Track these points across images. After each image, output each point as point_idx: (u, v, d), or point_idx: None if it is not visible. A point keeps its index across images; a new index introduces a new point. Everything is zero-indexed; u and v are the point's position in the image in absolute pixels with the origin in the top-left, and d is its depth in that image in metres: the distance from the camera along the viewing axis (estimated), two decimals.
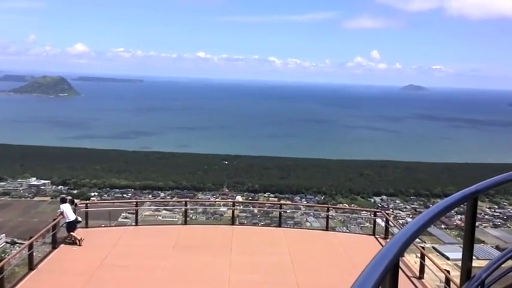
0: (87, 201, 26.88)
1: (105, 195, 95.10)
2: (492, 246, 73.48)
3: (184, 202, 27.58)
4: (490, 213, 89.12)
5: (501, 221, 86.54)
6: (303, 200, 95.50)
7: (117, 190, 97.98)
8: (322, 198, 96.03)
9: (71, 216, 17.91)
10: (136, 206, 22.59)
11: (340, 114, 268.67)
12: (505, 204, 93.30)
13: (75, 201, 20.11)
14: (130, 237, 18.86)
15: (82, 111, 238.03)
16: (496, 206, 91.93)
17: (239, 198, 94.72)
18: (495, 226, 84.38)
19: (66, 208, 18.01)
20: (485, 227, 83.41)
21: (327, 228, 22.58)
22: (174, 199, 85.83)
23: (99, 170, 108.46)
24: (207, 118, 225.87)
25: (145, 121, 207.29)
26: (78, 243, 17.55)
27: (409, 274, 15.96)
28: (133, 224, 21.85)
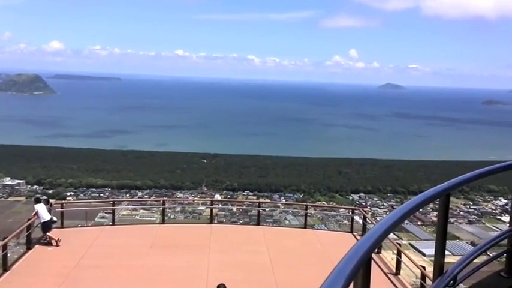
0: (63, 201, 26.50)
1: (82, 194, 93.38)
2: (467, 242, 74.95)
3: (162, 201, 27.36)
4: (465, 209, 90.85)
5: (476, 217, 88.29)
6: (282, 198, 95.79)
7: (94, 190, 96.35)
8: (301, 196, 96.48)
9: (45, 216, 17.62)
10: (113, 206, 22.33)
11: (318, 112, 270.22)
12: (479, 201, 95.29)
13: (50, 201, 19.82)
14: (107, 237, 18.64)
15: (58, 109, 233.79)
16: (470, 203, 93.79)
17: (218, 196, 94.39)
18: (470, 222, 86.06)
19: (41, 208, 17.71)
20: (460, 223, 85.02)
21: (305, 226, 22.78)
22: (152, 198, 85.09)
23: (75, 169, 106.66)
24: (186, 116, 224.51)
25: (122, 119, 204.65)
26: (54, 243, 17.28)
27: (386, 270, 16.17)
28: (110, 223, 21.61)
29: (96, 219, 57.29)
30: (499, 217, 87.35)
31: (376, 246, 2.68)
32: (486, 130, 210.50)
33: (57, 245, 17.18)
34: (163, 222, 21.93)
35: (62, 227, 19.40)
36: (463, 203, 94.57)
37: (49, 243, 17.36)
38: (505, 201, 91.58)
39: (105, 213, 57.15)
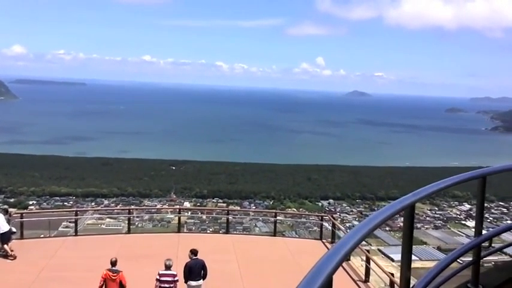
0: (23, 211, 25.40)
1: (45, 203, 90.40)
2: (434, 247, 76.46)
3: (128, 210, 26.52)
4: (431, 215, 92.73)
5: (441, 222, 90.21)
6: (252, 205, 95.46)
7: (58, 198, 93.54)
8: (271, 203, 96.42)
9: (4, 227, 16.70)
10: (76, 215, 21.47)
11: (286, 119, 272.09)
12: (444, 206, 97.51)
13: (9, 210, 18.80)
14: (69, 249, 17.85)
15: (19, 115, 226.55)
16: (436, 208, 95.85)
17: (187, 204, 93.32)
18: (436, 227, 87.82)
19: None
20: (426, 228, 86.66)
21: (274, 234, 22.62)
22: (118, 207, 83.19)
23: (37, 177, 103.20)
24: (152, 123, 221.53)
25: (86, 125, 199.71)
26: (12, 257, 16.39)
27: (355, 278, 16.10)
28: (73, 234, 20.72)
29: (60, 229, 55.41)
30: (463, 222, 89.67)
31: (343, 261, 2.60)
32: (448, 137, 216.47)
33: (13, 258, 16.28)
34: (128, 231, 21.21)
35: (21, 238, 18.47)
36: (429, 208, 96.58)
37: (7, 256, 16.46)
38: (469, 206, 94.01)
39: (69, 222, 55.34)
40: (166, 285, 12.81)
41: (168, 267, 12.98)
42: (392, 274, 14.54)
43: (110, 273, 12.86)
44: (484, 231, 4.95)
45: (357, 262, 17.93)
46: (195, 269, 13.16)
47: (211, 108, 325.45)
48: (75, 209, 33.42)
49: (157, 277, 12.85)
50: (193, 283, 13.12)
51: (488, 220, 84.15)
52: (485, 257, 4.86)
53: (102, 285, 12.75)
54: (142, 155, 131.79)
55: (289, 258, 17.97)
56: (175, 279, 12.95)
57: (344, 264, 18.57)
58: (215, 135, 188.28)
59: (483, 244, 4.79)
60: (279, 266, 17.10)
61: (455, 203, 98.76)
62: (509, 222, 73.61)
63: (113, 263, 13.06)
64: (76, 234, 20.40)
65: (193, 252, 13.59)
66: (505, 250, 5.70)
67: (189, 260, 13.41)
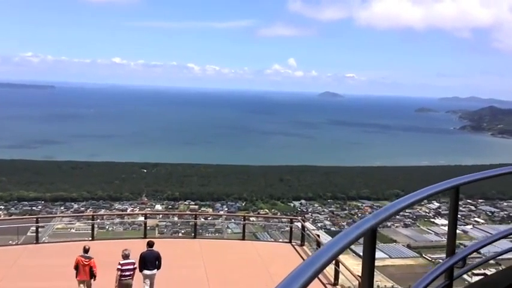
0: None
1: (13, 208, 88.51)
2: (403, 245, 77.71)
3: (92, 216, 25.81)
4: (401, 213, 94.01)
5: (411, 220, 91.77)
6: (224, 206, 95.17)
7: (26, 203, 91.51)
8: (243, 204, 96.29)
9: None
10: (37, 222, 20.79)
11: (259, 120, 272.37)
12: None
13: None
14: (31, 257, 17.20)
15: None
16: None
17: (159, 206, 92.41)
18: (406, 226, 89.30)
19: None
20: (396, 226, 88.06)
21: (243, 238, 22.40)
22: (88, 211, 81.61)
23: (5, 181, 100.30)
24: (124, 126, 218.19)
25: (56, 129, 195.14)
26: None
27: (324, 281, 15.97)
28: (34, 241, 20.02)
29: (28, 234, 53.92)
30: (432, 220, 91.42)
31: (319, 273, 2.44)
32: (418, 136, 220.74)
33: None
34: (92, 238, 20.63)
35: None
36: None
37: None
38: (438, 204, 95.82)
39: (39, 226, 53.79)
40: (128, 273, 13.55)
41: (126, 256, 13.70)
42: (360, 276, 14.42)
43: (83, 259, 13.67)
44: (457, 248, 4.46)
45: (311, 248, 18.64)
46: (150, 259, 13.90)
47: (183, 110, 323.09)
48: (35, 216, 32.35)
49: (119, 267, 13.49)
50: (147, 272, 13.85)
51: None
52: (458, 277, 4.45)
53: (75, 267, 13.64)
54: (113, 158, 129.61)
55: (258, 263, 17.77)
56: (135, 266, 13.72)
57: (298, 248, 18.96)
58: (187, 137, 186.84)
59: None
60: (247, 271, 16.89)
61: (425, 201, 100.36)
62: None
63: (86, 250, 13.89)
64: (37, 242, 19.74)
65: (149, 244, 14.39)
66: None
67: (145, 250, 14.16)
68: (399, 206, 3.50)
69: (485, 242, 4.76)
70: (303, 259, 18.40)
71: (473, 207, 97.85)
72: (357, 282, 14.34)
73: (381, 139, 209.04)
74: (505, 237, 4.97)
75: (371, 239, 3.17)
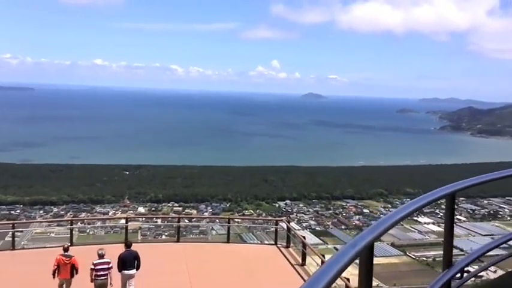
0: None
1: None
2: (388, 244, 78.01)
3: (70, 221, 24.77)
4: (385, 212, 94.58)
5: None
6: (209, 207, 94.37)
7: (4, 207, 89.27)
8: (228, 205, 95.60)
9: None
10: (13, 228, 19.85)
11: (242, 121, 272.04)
12: (397, 204, 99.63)
13: None
14: (5, 264, 16.34)
15: None
16: (389, 206, 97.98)
17: (142, 209, 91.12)
18: None
19: None
20: None
21: (228, 240, 21.85)
22: (68, 216, 79.98)
23: None
24: (105, 128, 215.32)
25: (35, 132, 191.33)
26: None
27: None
28: (11, 248, 19.08)
29: (6, 239, 52.44)
30: (415, 218, 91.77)
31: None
32: (400, 137, 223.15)
33: None
34: (71, 243, 19.74)
35: None
36: (382, 206, 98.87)
37: None
38: None
39: (17, 231, 52.23)
40: (102, 273, 13.39)
41: (101, 256, 13.57)
42: (348, 279, 13.84)
43: (64, 258, 13.58)
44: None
45: (296, 249, 19.10)
46: (128, 259, 13.84)
47: (166, 112, 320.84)
48: (11, 222, 31.18)
49: (92, 266, 13.36)
50: (126, 272, 13.76)
51: (439, 216, 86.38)
52: None
53: (56, 269, 13.46)
54: (94, 160, 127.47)
55: (243, 266, 17.15)
56: (110, 266, 13.54)
57: (284, 250, 18.92)
58: (171, 139, 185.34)
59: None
60: (232, 276, 16.28)
61: (408, 199, 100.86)
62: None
63: (66, 249, 13.88)
64: (13, 248, 18.80)
65: (127, 244, 14.42)
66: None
67: (123, 251, 14.09)
68: (396, 217, 3.13)
69: (485, 250, 4.53)
70: (289, 261, 18.04)
71: (456, 206, 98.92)
72: (343, 283, 13.71)
73: (364, 139, 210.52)
74: (504, 242, 4.76)
75: (368, 255, 2.83)
